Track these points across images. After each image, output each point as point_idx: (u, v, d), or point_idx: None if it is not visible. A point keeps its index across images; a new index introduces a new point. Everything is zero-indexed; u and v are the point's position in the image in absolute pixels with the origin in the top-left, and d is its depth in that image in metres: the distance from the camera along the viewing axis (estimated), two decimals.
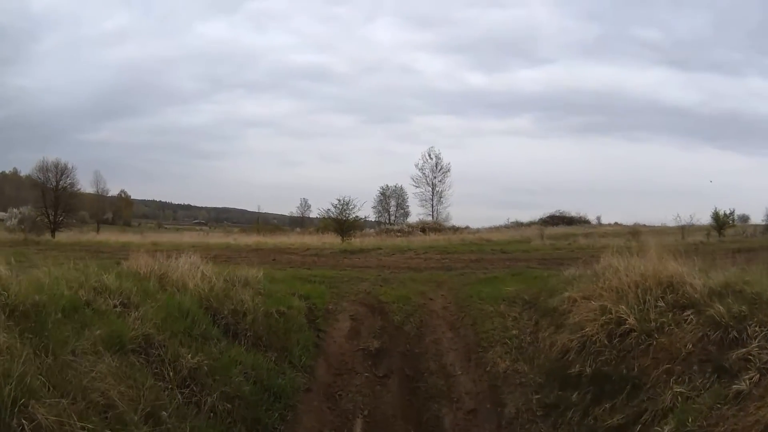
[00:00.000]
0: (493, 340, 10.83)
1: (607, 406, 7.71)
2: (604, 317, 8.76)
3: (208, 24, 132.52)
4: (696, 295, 8.10)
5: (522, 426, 8.62)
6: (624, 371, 7.80)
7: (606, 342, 8.41)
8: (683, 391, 6.75)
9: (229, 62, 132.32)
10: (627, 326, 8.24)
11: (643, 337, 7.96)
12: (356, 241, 30.15)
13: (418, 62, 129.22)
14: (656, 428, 6.67)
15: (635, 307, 8.47)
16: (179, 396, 7.16)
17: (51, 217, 47.60)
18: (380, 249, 25.35)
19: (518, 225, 55.70)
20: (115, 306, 8.02)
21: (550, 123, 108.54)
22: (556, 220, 59.40)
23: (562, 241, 32.71)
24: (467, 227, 52.35)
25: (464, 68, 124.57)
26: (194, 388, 7.56)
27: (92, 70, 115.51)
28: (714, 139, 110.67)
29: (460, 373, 10.25)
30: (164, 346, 7.69)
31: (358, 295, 13.30)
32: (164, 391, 6.99)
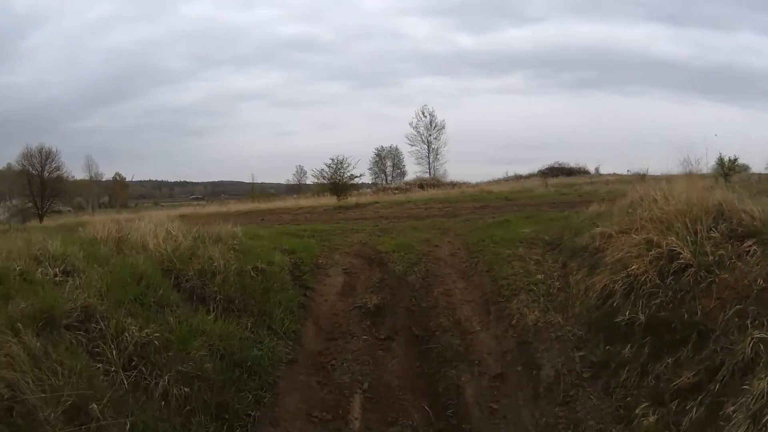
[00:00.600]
0: (515, 287, 8.86)
1: (669, 360, 6.05)
2: (651, 252, 7.21)
3: (194, 4, 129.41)
4: (755, 223, 6.90)
5: (565, 392, 6.68)
6: (685, 316, 6.27)
7: (658, 281, 6.87)
8: (764, 336, 5.34)
9: (217, 39, 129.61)
10: (681, 261, 6.80)
11: (702, 274, 6.54)
12: (352, 199, 28.24)
13: (406, 26, 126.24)
14: (744, 387, 5.01)
15: (687, 238, 7.05)
16: (124, 380, 5.64)
17: (39, 204, 45.77)
18: (377, 203, 23.58)
19: (518, 177, 53.89)
20: (55, 275, 6.80)
21: (543, 80, 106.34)
22: (555, 171, 57.52)
23: (566, 189, 30.78)
24: (466, 182, 50.42)
25: (452, 30, 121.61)
26: (143, 369, 5.88)
27: (80, 61, 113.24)
28: (708, 92, 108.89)
29: (479, 329, 8.29)
30: (106, 318, 6.12)
31: (353, 246, 11.29)
32: (104, 375, 5.56)
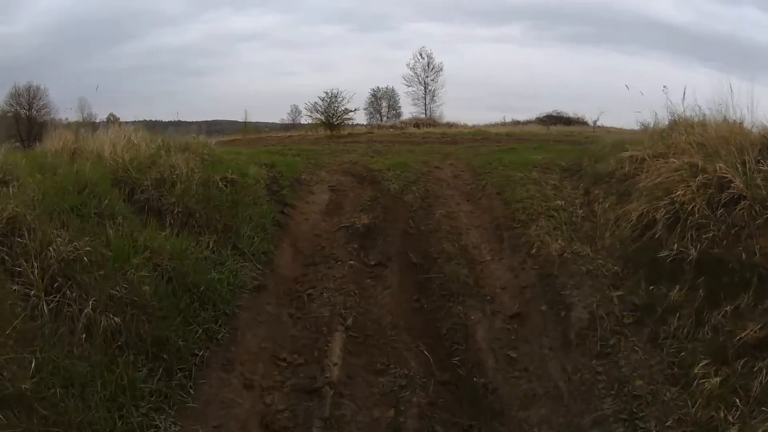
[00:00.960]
0: (533, 211, 7.31)
1: (728, 308, 4.71)
2: (698, 178, 5.79)
3: None
4: None
5: (604, 340, 5.13)
6: (743, 255, 4.98)
7: (707, 212, 5.51)
8: None
9: None
10: (733, 191, 5.52)
11: (757, 208, 5.31)
12: (345, 131, 26.47)
13: None
14: None
15: (737, 166, 5.71)
16: (44, 306, 4.25)
17: (25, 144, 43.88)
18: (372, 133, 21.81)
19: (516, 123, 51.93)
20: None
21: (539, 32, 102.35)
22: (553, 119, 55.22)
23: (569, 133, 28.95)
24: (463, 124, 48.65)
25: None
26: (68, 293, 4.42)
27: (78, 7, 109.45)
28: (708, 59, 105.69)
29: (489, 258, 6.74)
30: (33, 230, 4.76)
31: (342, 165, 9.70)
32: (22, 299, 4.23)
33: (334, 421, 4.52)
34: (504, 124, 50.12)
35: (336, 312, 5.81)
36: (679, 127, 7.49)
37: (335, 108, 30.15)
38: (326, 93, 30.31)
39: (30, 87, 45.37)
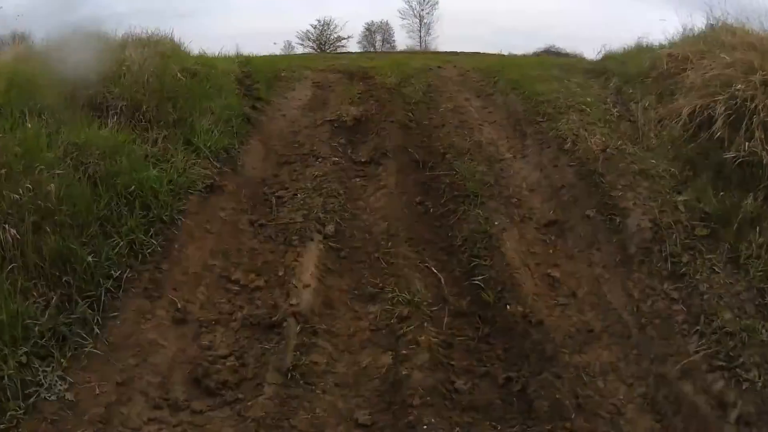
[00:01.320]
0: (560, 105, 5.83)
1: None
2: (756, 75, 4.63)
3: None
4: None
5: (675, 256, 3.68)
6: None
7: None
8: None
9: None
10: None
11: None
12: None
13: None
14: None
15: None
16: None
17: None
18: (366, 54, 20.28)
19: (514, 56, 50.12)
20: None
21: None
22: (551, 54, 53.36)
23: None
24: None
25: None
26: None
27: None
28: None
29: (510, 156, 5.30)
30: None
31: (331, 66, 8.10)
32: None
33: (299, 372, 3.04)
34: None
35: (312, 216, 4.32)
36: (720, 29, 6.11)
37: (327, 35, 28.52)
38: (318, 21, 28.64)
39: (15, 35, 43.32)
